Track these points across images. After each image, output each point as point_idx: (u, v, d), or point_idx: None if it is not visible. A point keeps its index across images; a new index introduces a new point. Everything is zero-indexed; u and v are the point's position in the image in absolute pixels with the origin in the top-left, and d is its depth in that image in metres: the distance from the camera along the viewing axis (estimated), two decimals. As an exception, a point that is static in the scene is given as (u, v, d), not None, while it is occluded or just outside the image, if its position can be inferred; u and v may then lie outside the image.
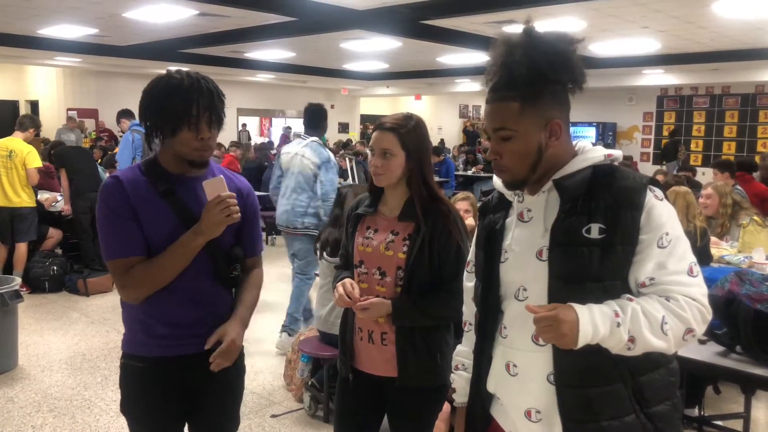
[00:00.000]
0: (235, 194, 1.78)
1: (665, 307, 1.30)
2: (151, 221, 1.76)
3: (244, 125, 18.94)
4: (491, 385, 1.53)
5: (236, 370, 1.98)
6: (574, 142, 1.48)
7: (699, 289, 1.34)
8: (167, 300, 1.81)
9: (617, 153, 1.46)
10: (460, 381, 1.69)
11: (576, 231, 1.35)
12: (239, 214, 1.78)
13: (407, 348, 1.99)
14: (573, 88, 1.42)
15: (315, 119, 4.75)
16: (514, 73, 1.37)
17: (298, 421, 3.58)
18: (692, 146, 15.61)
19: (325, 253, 3.57)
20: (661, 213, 1.34)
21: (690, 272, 1.34)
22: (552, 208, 1.41)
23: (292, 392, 3.84)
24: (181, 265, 1.77)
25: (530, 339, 1.41)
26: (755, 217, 4.38)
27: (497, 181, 1.53)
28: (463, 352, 1.71)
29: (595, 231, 1.33)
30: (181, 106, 1.71)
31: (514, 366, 1.46)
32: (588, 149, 1.45)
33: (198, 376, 1.87)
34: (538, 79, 1.37)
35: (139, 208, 1.76)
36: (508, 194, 1.52)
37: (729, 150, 14.87)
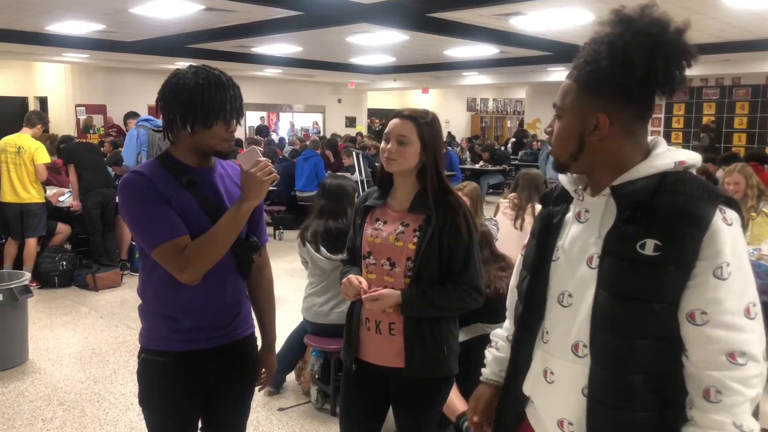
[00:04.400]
0: (269, 159, 1.81)
1: (731, 415, 1.20)
2: (180, 211, 1.77)
3: (262, 118, 19.10)
4: (527, 388, 1.48)
5: (253, 362, 2.04)
6: (649, 138, 1.36)
7: (753, 336, 1.21)
8: (192, 295, 1.82)
9: (692, 159, 1.30)
10: (489, 356, 1.68)
11: (630, 244, 1.25)
12: (276, 174, 1.81)
13: (415, 339, 2.00)
14: (644, 88, 1.28)
15: None
16: (581, 54, 1.32)
17: (306, 415, 3.60)
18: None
19: (323, 249, 3.54)
20: (725, 240, 1.21)
21: (747, 313, 1.21)
22: (610, 214, 1.31)
23: (301, 384, 3.85)
24: (232, 234, 1.78)
25: (570, 348, 1.35)
26: (765, 210, 4.34)
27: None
28: (500, 334, 1.69)
29: (650, 247, 1.22)
30: (219, 100, 1.75)
31: (551, 373, 1.40)
32: (657, 153, 1.31)
33: (218, 370, 1.90)
34: (595, 66, 1.27)
35: (167, 197, 1.76)
36: (570, 189, 1.42)
37: (740, 141, 14.75)
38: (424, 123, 2.00)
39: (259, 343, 2.11)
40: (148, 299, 1.88)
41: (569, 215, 1.42)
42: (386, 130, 2.03)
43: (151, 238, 1.74)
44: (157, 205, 1.74)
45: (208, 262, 1.76)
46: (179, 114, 1.77)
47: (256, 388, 2.09)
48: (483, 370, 1.70)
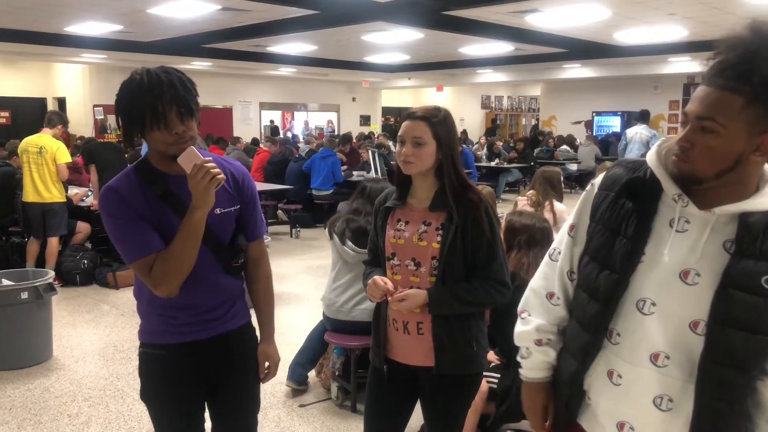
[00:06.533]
0: (210, 159, 1.72)
1: None
2: (158, 223, 1.76)
3: (271, 121, 19.05)
4: (585, 383, 1.45)
5: (253, 350, 2.03)
6: None
7: None
8: (184, 290, 1.82)
9: None
10: (542, 357, 1.55)
11: (753, 277, 1.21)
12: (222, 175, 1.71)
13: (444, 337, 2.01)
14: None
15: (645, 116, 9.57)
16: (756, 67, 1.16)
17: (326, 411, 3.62)
18: (720, 134, 15.32)
19: (349, 242, 3.59)
20: None
21: None
22: (717, 233, 1.25)
23: (321, 380, 3.88)
24: (192, 246, 1.74)
25: (647, 357, 1.32)
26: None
27: (653, 162, 1.34)
28: (546, 326, 1.54)
29: None
30: (144, 106, 1.66)
31: (619, 377, 1.36)
32: None
33: (217, 359, 1.92)
34: None
35: (141, 211, 1.74)
36: (673, 192, 1.31)
37: None
38: (437, 121, 1.99)
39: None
40: (142, 299, 1.90)
41: (661, 219, 1.33)
42: (400, 133, 2.03)
43: (125, 256, 1.77)
44: (129, 221, 1.73)
45: (175, 277, 1.74)
46: (121, 126, 1.76)
47: (262, 382, 2.06)
48: (532, 372, 1.59)
